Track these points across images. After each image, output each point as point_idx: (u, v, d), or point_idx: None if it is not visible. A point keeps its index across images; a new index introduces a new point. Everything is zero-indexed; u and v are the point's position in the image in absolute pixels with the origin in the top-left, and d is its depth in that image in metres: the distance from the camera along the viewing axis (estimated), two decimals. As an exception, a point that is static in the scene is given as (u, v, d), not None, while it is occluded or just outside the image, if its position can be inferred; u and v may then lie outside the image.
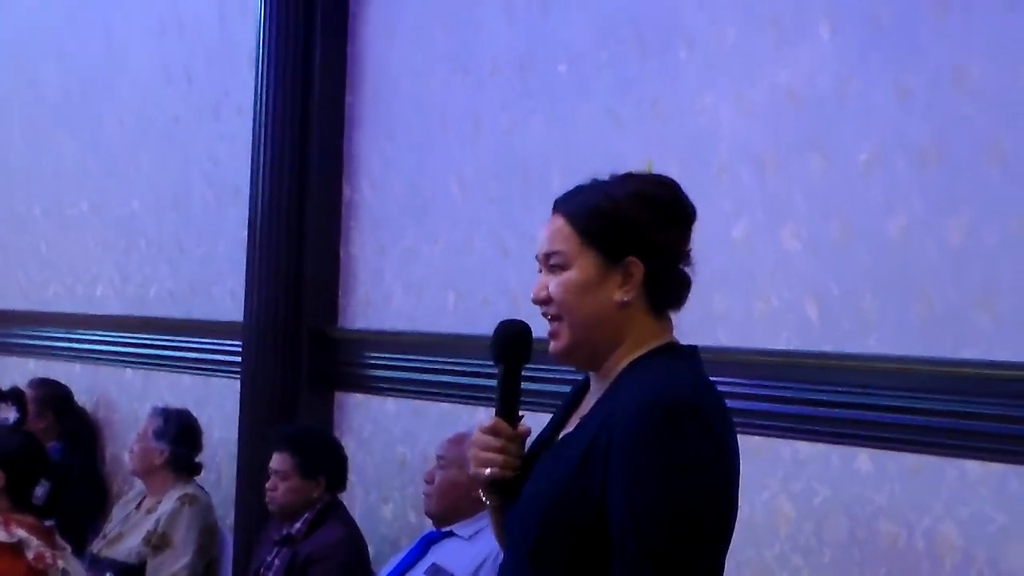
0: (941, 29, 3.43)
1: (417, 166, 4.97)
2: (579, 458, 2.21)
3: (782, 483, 3.70)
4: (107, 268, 6.60)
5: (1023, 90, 3.25)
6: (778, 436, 3.72)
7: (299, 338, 5.23)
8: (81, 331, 6.69)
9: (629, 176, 2.37)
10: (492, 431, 2.33)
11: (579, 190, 2.38)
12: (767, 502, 3.73)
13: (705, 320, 3.92)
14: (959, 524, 3.29)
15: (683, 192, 2.36)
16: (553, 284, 2.31)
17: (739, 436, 3.74)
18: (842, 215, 3.60)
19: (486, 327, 4.56)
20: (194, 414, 5.52)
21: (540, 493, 2.25)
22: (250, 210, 5.33)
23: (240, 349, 5.34)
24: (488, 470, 2.31)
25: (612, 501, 2.15)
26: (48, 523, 3.83)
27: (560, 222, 2.33)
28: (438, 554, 4.23)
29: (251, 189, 5.32)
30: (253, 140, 5.31)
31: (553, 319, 2.32)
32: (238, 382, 5.36)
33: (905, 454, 3.41)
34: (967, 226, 3.33)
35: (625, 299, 2.29)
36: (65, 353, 6.78)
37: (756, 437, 3.77)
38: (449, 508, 4.24)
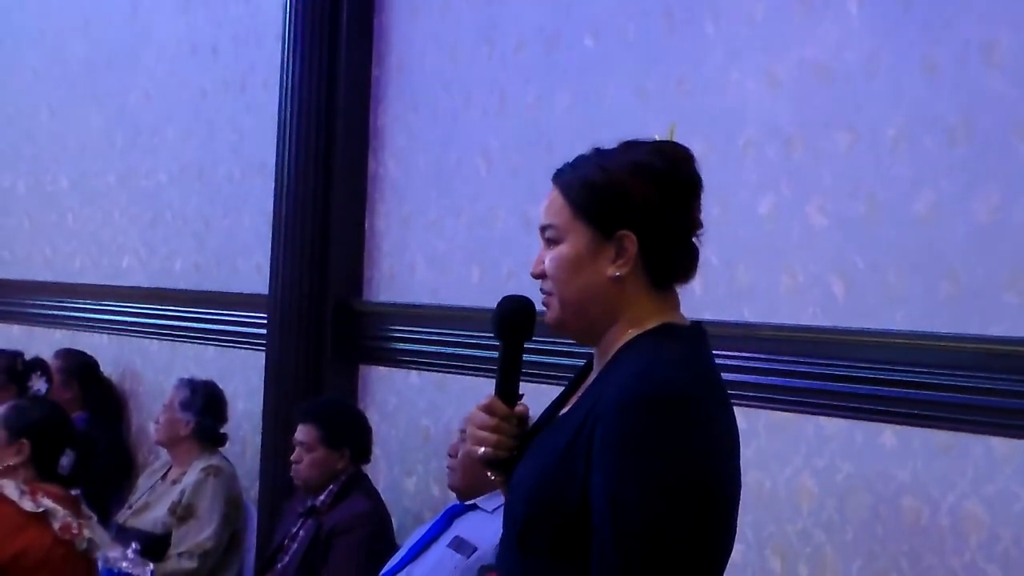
0: (969, 3, 3.41)
1: (442, 140, 4.97)
2: (567, 441, 2.15)
3: (805, 459, 3.70)
4: (133, 240, 6.62)
5: (1053, 66, 3.24)
6: (802, 412, 3.72)
7: (324, 311, 5.24)
8: (107, 303, 6.72)
9: (630, 145, 2.28)
10: (488, 410, 2.28)
11: (578, 161, 2.31)
12: (790, 478, 3.73)
13: (730, 295, 3.92)
14: (984, 501, 3.28)
15: (687, 162, 2.26)
16: (547, 258, 2.25)
17: (763, 411, 3.80)
18: (869, 191, 3.59)
19: (511, 301, 4.60)
20: (219, 386, 5.55)
21: (530, 475, 2.20)
22: (275, 183, 5.34)
23: (265, 321, 5.36)
24: (481, 449, 2.27)
25: (593, 489, 2.09)
26: (74, 492, 3.85)
27: (555, 194, 2.27)
28: (461, 527, 4.24)
29: (276, 162, 5.33)
30: (279, 113, 5.32)
31: (546, 294, 2.26)
32: (263, 354, 5.38)
33: (930, 431, 3.41)
34: (995, 203, 3.31)
35: (618, 274, 2.21)
36: (91, 324, 6.81)
37: (779, 413, 3.78)
38: (472, 481, 4.24)
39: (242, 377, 5.82)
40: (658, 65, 4.20)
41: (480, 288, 4.77)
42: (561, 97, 4.52)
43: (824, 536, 3.63)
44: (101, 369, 6.48)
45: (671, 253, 2.24)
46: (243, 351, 5.83)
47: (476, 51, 4.85)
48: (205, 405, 5.39)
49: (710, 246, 3.92)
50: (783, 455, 3.75)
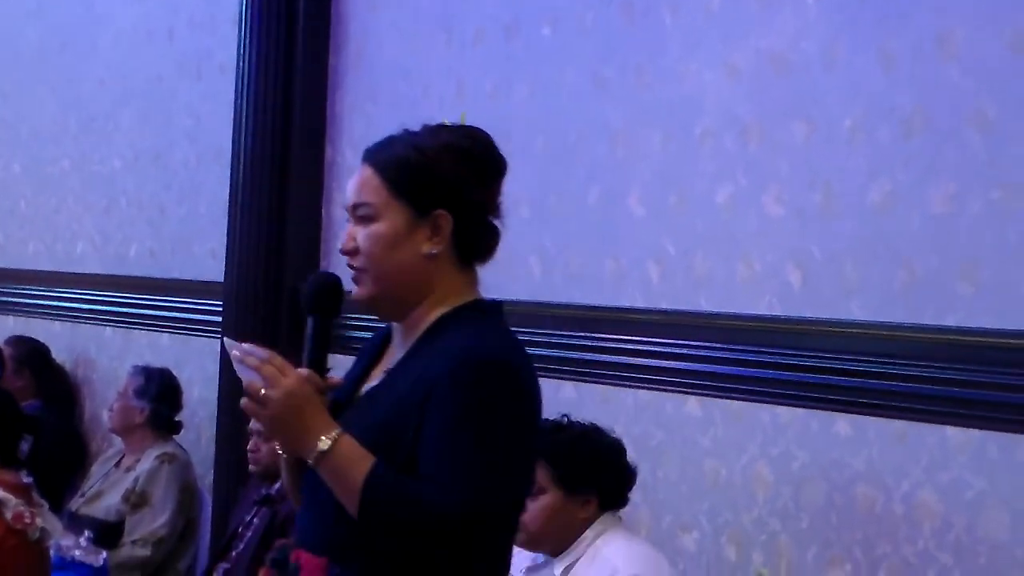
0: (926, -4, 3.44)
1: (399, 127, 4.94)
2: (390, 410, 2.25)
3: (761, 448, 3.72)
4: (87, 226, 6.57)
5: (1007, 58, 3.26)
6: (757, 401, 3.74)
7: (280, 298, 5.22)
8: (60, 289, 6.67)
9: (441, 128, 2.37)
10: None
11: (389, 141, 2.38)
12: (746, 466, 3.75)
13: (687, 285, 3.94)
14: (938, 490, 3.31)
15: (495, 145, 2.38)
16: (361, 236, 2.32)
17: (719, 400, 3.82)
18: (825, 181, 3.61)
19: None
20: (174, 373, 5.52)
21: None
22: (232, 170, 5.31)
23: (221, 308, 5.33)
24: None
25: (423, 445, 2.20)
26: (26, 480, 3.83)
27: (369, 173, 2.34)
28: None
29: (233, 149, 5.30)
30: (235, 100, 5.29)
31: (359, 270, 2.33)
32: (218, 342, 5.35)
33: (884, 420, 3.43)
34: (950, 193, 3.33)
35: (433, 251, 2.31)
36: (44, 311, 6.76)
37: (735, 402, 3.80)
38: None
39: (197, 364, 5.79)
40: (616, 55, 4.21)
41: (437, 276, 4.76)
42: (519, 86, 4.52)
43: (779, 524, 3.65)
44: (54, 356, 6.43)
45: (479, 233, 2.35)
46: (198, 338, 5.80)
47: (434, 40, 4.84)
48: (160, 392, 5.36)
49: (667, 235, 4.00)
50: (739, 444, 3.77)
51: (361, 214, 2.33)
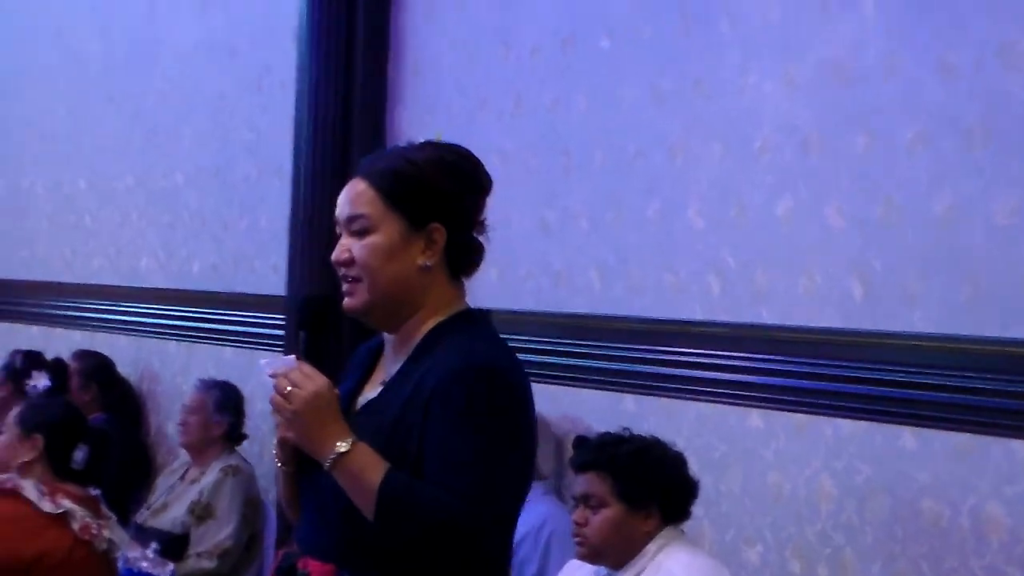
0: (986, 4, 3.40)
1: (457, 141, 4.93)
2: (392, 422, 2.30)
3: (824, 461, 3.70)
4: (151, 241, 6.64)
5: (1071, 68, 3.23)
6: (820, 414, 3.72)
7: (341, 312, 5.22)
8: (125, 304, 6.73)
9: (427, 144, 2.43)
10: None
11: (380, 156, 2.44)
12: (809, 479, 3.73)
13: (748, 298, 3.92)
14: (1005, 503, 3.28)
15: (480, 163, 2.44)
16: (357, 248, 2.36)
17: (781, 414, 3.80)
18: (887, 193, 3.58)
19: (528, 303, 4.62)
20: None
21: None
22: (293, 184, 5.35)
23: (282, 322, 5.37)
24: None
25: (429, 452, 2.25)
26: (94, 493, 3.87)
27: (363, 186, 2.38)
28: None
29: (294, 163, 5.34)
30: (296, 114, 5.33)
31: (353, 280, 2.38)
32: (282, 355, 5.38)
33: (950, 433, 3.40)
34: (1013, 205, 3.30)
35: (428, 264, 2.36)
36: (109, 325, 6.83)
37: (798, 415, 3.78)
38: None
39: (260, 378, 5.78)
40: (674, 66, 4.20)
41: (498, 289, 4.77)
42: (577, 99, 4.52)
43: (843, 538, 3.63)
44: (119, 370, 6.49)
45: (469, 247, 2.40)
46: (260, 352, 5.84)
47: (492, 53, 4.86)
48: (235, 406, 5.41)
49: (727, 248, 3.99)
50: (802, 457, 3.75)
51: (356, 228, 2.38)
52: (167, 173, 6.54)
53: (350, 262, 2.37)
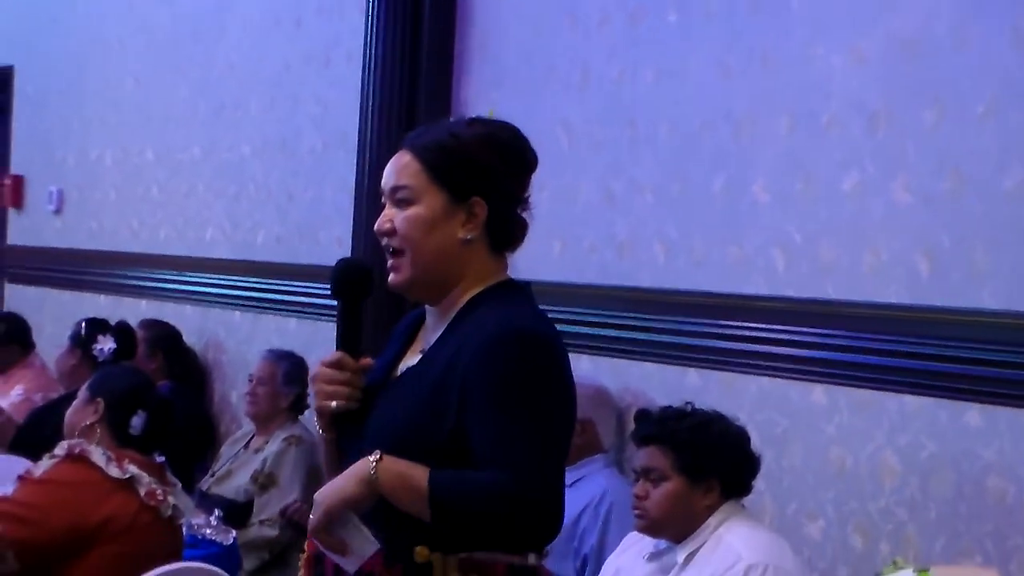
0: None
1: (524, 114, 4.93)
2: (430, 389, 2.32)
3: (888, 436, 3.67)
4: (217, 212, 6.69)
5: None
6: (884, 390, 3.70)
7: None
8: (191, 274, 6.79)
9: (475, 119, 2.45)
10: (336, 364, 2.42)
11: (427, 129, 2.46)
12: (872, 455, 3.71)
13: (812, 273, 3.90)
14: (1070, 481, 3.25)
15: (526, 140, 2.44)
16: (399, 218, 2.39)
17: (845, 389, 3.78)
18: (955, 167, 3.55)
19: (592, 275, 4.62)
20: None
21: (392, 423, 2.34)
22: (358, 156, 5.36)
23: (346, 294, 5.37)
24: (335, 403, 2.40)
25: (473, 425, 2.27)
26: (159, 459, 3.91)
27: (408, 158, 2.41)
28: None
29: (359, 135, 5.35)
30: (362, 87, 5.34)
31: (395, 252, 2.40)
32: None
33: (1017, 410, 3.37)
34: (1085, 180, 3.26)
35: (468, 237, 2.38)
36: (176, 295, 6.89)
37: (862, 390, 3.76)
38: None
39: (323, 348, 5.81)
40: (742, 40, 4.18)
41: (561, 262, 4.78)
42: (644, 72, 4.50)
43: (907, 514, 3.61)
44: (185, 339, 6.55)
45: (511, 221, 2.42)
46: (324, 323, 5.87)
47: (559, 25, 4.85)
48: (302, 378, 5.45)
49: (793, 222, 3.96)
50: (865, 432, 3.73)
51: (400, 197, 2.40)
52: (233, 145, 6.58)
53: (391, 232, 2.40)
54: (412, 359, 2.45)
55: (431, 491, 2.26)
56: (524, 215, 2.45)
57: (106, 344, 6.05)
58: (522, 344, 2.30)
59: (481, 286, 2.41)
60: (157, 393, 4.05)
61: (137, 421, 3.78)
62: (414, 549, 2.31)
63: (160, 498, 3.70)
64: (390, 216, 2.40)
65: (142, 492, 3.67)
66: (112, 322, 6.38)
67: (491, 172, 2.39)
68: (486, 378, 2.28)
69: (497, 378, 2.27)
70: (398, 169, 2.41)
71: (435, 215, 2.37)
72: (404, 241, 2.39)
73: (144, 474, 3.70)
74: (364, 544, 2.35)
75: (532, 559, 2.37)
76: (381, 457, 2.29)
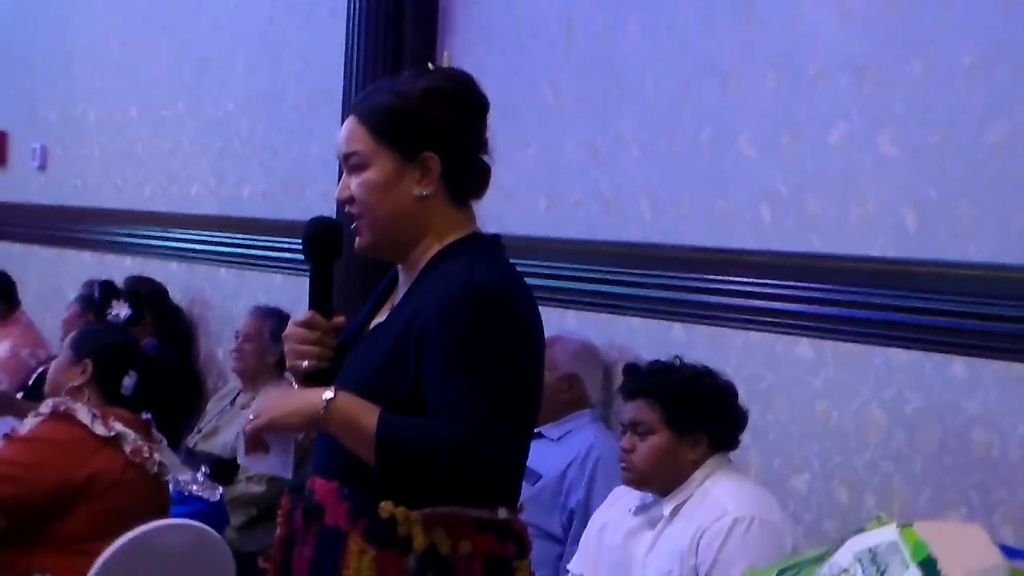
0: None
1: (510, 71, 4.95)
2: (392, 344, 2.34)
3: (873, 390, 3.68)
4: (202, 169, 6.67)
5: None
6: (870, 343, 3.70)
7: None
8: (177, 230, 6.78)
9: (422, 72, 2.44)
10: (308, 324, 2.43)
11: (373, 91, 2.47)
12: (858, 409, 3.72)
13: (798, 225, 3.90)
14: (1055, 433, 3.27)
15: (475, 84, 2.44)
16: (354, 184, 2.40)
17: (830, 343, 3.79)
18: (942, 121, 3.54)
19: (578, 230, 4.61)
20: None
21: (355, 379, 2.36)
22: (342, 112, 5.34)
23: (332, 249, 5.37)
24: (306, 362, 2.41)
25: (427, 380, 2.28)
26: (145, 417, 3.91)
27: (354, 124, 2.42)
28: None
29: (343, 92, 5.33)
30: (346, 43, 5.31)
31: (357, 217, 2.42)
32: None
33: (1001, 363, 3.38)
34: (1071, 133, 3.26)
35: (424, 193, 2.39)
36: (161, 252, 6.88)
37: (848, 344, 3.76)
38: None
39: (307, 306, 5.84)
40: (729, -7, 4.16)
41: (547, 218, 4.78)
42: (629, 27, 4.48)
43: (892, 467, 3.62)
44: (171, 296, 6.54)
45: (468, 170, 2.42)
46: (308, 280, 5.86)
47: (544, -20, 4.82)
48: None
49: (779, 176, 3.96)
50: (851, 386, 3.74)
51: (352, 163, 2.42)
52: (218, 101, 6.55)
53: (351, 199, 2.42)
54: (382, 317, 2.46)
55: (378, 436, 2.27)
56: (485, 159, 2.45)
57: (121, 310, 6.06)
58: (477, 298, 2.31)
59: (446, 241, 2.42)
60: (145, 352, 4.04)
61: (128, 382, 3.78)
62: (378, 504, 2.32)
63: (146, 455, 3.71)
64: (347, 183, 2.43)
65: (127, 449, 3.68)
66: (117, 282, 6.38)
67: (439, 124, 2.38)
68: (440, 332, 2.29)
69: (451, 332, 2.28)
70: (347, 136, 2.43)
71: (387, 176, 2.39)
72: (361, 206, 2.41)
73: (130, 431, 3.71)
74: (279, 463, 2.43)
75: (502, 513, 2.38)
76: (335, 396, 2.31)
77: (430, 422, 2.28)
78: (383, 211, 2.39)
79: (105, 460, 3.65)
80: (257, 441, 2.43)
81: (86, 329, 4.24)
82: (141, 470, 3.70)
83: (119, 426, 3.69)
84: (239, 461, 2.47)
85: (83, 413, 3.68)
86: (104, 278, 6.59)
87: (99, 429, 3.67)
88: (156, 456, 3.76)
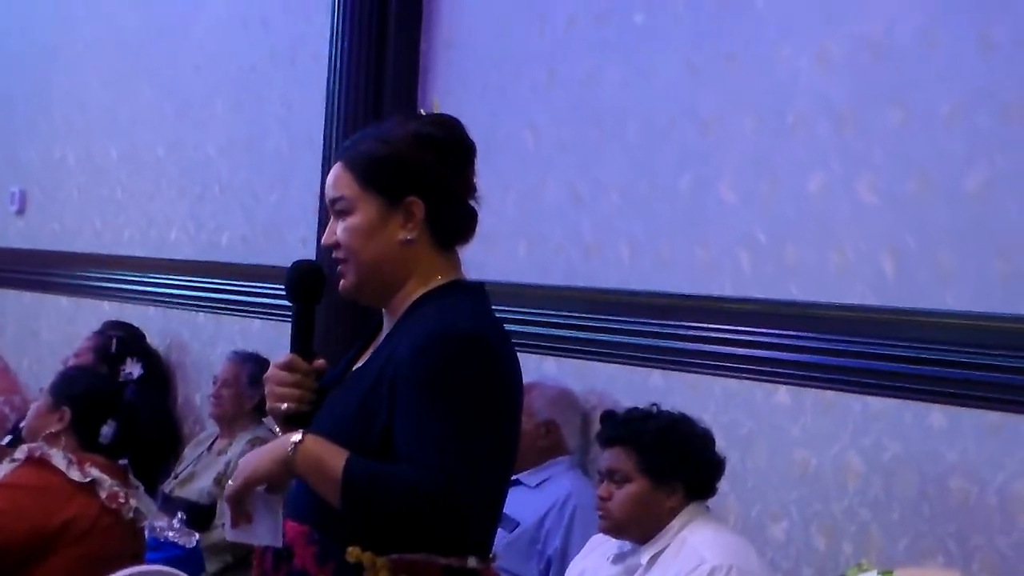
0: (1027, -20, 3.37)
1: (490, 115, 4.95)
2: (367, 388, 2.33)
3: (852, 437, 3.67)
4: (181, 213, 6.65)
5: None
6: (849, 391, 3.70)
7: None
8: (155, 275, 6.74)
9: (410, 117, 2.47)
10: (287, 367, 2.44)
11: (360, 137, 2.48)
12: (836, 456, 3.71)
13: (778, 273, 3.90)
14: (1034, 482, 3.26)
15: (462, 130, 2.45)
16: (340, 229, 2.42)
17: (810, 390, 3.78)
18: (921, 169, 3.55)
19: (558, 276, 4.61)
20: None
21: (332, 423, 2.36)
22: (323, 157, 5.34)
23: (311, 295, 5.35)
24: (285, 404, 2.41)
25: (398, 423, 2.27)
26: (121, 462, 3.88)
27: (340, 170, 2.44)
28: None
29: (324, 136, 5.33)
30: (328, 87, 5.32)
31: (342, 262, 2.42)
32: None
33: (979, 411, 3.38)
34: (1049, 182, 3.27)
35: (408, 238, 2.40)
36: (139, 296, 6.84)
37: (827, 391, 3.76)
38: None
39: (287, 350, 5.81)
40: (708, 41, 4.17)
41: (527, 263, 4.77)
42: (611, 72, 4.50)
43: (870, 515, 3.61)
44: (148, 341, 6.51)
45: (454, 215, 2.43)
46: (289, 324, 5.83)
47: (526, 26, 4.84)
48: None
49: (758, 223, 3.96)
50: (830, 433, 3.73)
51: (338, 208, 2.43)
52: (198, 145, 6.54)
53: (336, 245, 2.43)
54: (363, 360, 2.46)
55: (344, 479, 2.26)
56: (472, 204, 2.45)
57: (134, 369, 6.00)
58: (452, 343, 2.30)
59: (429, 285, 2.42)
60: (124, 399, 3.99)
61: (107, 431, 3.75)
62: (347, 548, 2.30)
63: (121, 501, 3.67)
64: (333, 229, 2.44)
65: (103, 495, 3.64)
66: (75, 324, 6.34)
67: (424, 169, 2.39)
68: (413, 376, 2.28)
69: (423, 376, 2.28)
70: (333, 182, 2.44)
71: (372, 221, 2.40)
72: (346, 251, 2.41)
73: (106, 477, 3.68)
74: (267, 531, 2.38)
75: (473, 562, 2.35)
76: (303, 439, 2.31)
77: (398, 467, 2.26)
78: (367, 255, 2.40)
79: (80, 506, 3.62)
80: (241, 511, 2.39)
81: (67, 374, 4.20)
82: (117, 516, 3.67)
83: (95, 472, 3.67)
84: (227, 537, 2.43)
85: (58, 459, 3.65)
86: (123, 322, 6.54)
87: (74, 475, 3.63)
88: (132, 502, 3.73)
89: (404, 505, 2.24)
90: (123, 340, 6.28)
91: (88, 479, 3.63)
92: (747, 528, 3.84)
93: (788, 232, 3.88)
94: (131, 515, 3.71)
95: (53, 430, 3.74)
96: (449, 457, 2.23)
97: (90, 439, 3.74)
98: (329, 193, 2.44)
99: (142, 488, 3.92)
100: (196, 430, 6.19)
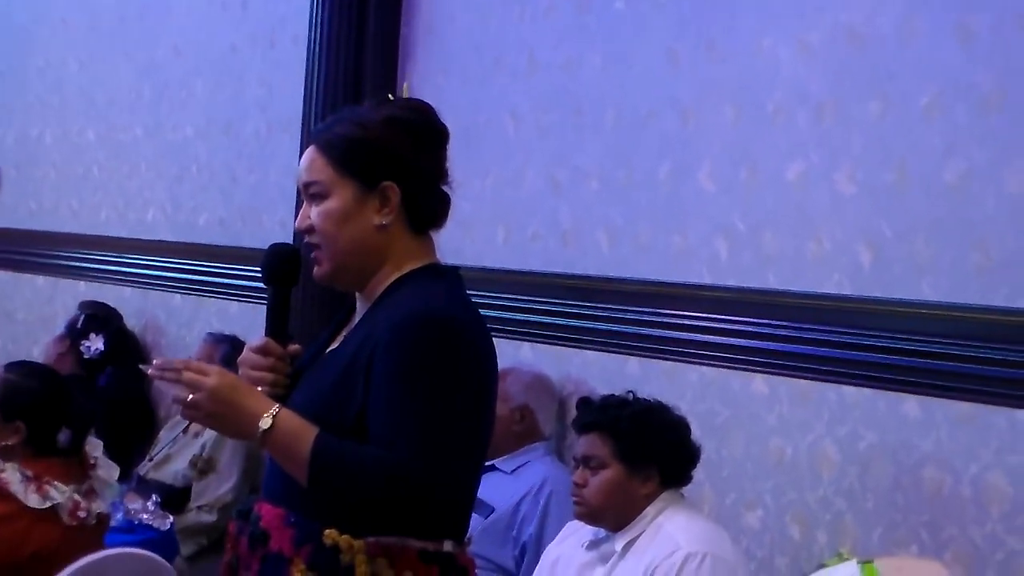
0: (1007, -28, 3.37)
1: (470, 101, 4.94)
2: (341, 371, 2.33)
3: (827, 427, 3.69)
4: (159, 194, 6.62)
5: (1089, 37, 3.20)
6: (824, 380, 3.71)
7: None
8: (132, 256, 6.72)
9: (383, 102, 2.46)
10: (262, 350, 2.44)
11: (333, 121, 2.46)
12: (811, 445, 3.72)
13: (755, 262, 3.91)
14: (1008, 472, 3.27)
15: (435, 115, 2.45)
16: (314, 214, 2.40)
17: (785, 379, 3.79)
18: (899, 159, 3.56)
19: (536, 263, 4.61)
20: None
21: (305, 404, 2.35)
22: (302, 140, 5.32)
23: (289, 278, 5.34)
24: (259, 388, 2.39)
25: (372, 406, 2.27)
26: (95, 441, 3.83)
27: (314, 153, 2.42)
28: (479, 488, 4.24)
29: (303, 118, 5.31)
30: (307, 70, 5.30)
31: (315, 247, 2.41)
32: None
33: (954, 401, 3.39)
34: (1026, 174, 3.28)
35: (384, 222, 2.39)
36: (115, 277, 6.82)
37: (802, 380, 3.77)
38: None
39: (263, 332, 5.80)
40: (689, 29, 4.17)
41: (505, 249, 4.76)
42: (591, 59, 4.49)
43: (845, 504, 3.62)
44: (125, 321, 6.49)
45: (428, 200, 2.43)
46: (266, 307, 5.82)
47: (506, 12, 4.83)
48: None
49: (737, 211, 3.97)
50: (805, 423, 3.74)
51: (312, 192, 2.41)
52: (177, 126, 6.52)
53: (310, 229, 2.41)
54: (336, 344, 2.46)
55: (311, 460, 2.26)
56: (445, 189, 2.45)
57: (95, 344, 6.00)
58: (427, 326, 2.30)
59: (404, 270, 2.41)
60: (74, 400, 3.90)
61: (63, 437, 3.71)
62: (324, 531, 2.30)
63: (83, 514, 3.62)
64: (307, 213, 2.42)
65: (65, 517, 3.59)
66: (52, 303, 6.31)
67: (399, 154, 2.39)
68: (387, 360, 2.28)
69: (397, 359, 2.28)
70: (307, 166, 2.42)
71: (347, 206, 2.38)
72: (321, 236, 2.40)
73: (65, 488, 3.61)
74: None
75: (448, 546, 2.36)
76: (273, 424, 2.28)
77: (367, 448, 2.26)
78: (343, 240, 2.39)
79: (44, 532, 3.55)
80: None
81: (11, 387, 4.04)
82: (81, 528, 3.63)
83: (55, 493, 3.59)
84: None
85: (15, 483, 3.57)
86: (99, 302, 6.51)
87: (33, 500, 3.57)
88: (94, 506, 3.67)
89: (369, 483, 2.24)
90: (90, 316, 6.27)
91: (47, 504, 3.58)
92: (722, 516, 3.85)
93: (766, 221, 3.89)
94: (94, 522, 3.67)
95: (9, 443, 3.69)
96: (422, 439, 2.24)
97: (47, 447, 3.69)
98: (303, 177, 2.43)
99: (101, 459, 3.80)
100: (172, 412, 6.16)
